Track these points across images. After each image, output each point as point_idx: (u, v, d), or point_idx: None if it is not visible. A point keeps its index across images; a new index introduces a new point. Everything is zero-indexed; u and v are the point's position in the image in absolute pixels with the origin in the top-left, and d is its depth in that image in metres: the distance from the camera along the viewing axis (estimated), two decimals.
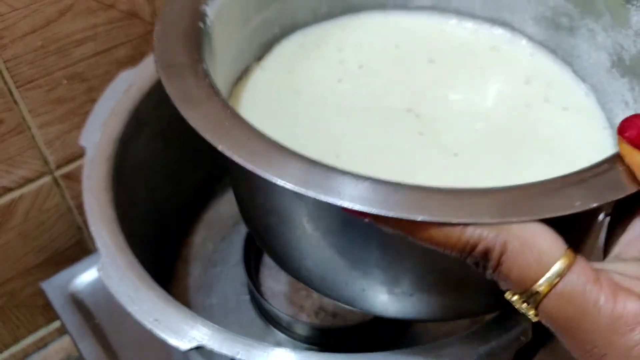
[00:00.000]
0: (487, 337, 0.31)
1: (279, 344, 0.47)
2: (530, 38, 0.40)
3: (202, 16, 0.31)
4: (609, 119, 0.37)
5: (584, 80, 0.39)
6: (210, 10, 0.32)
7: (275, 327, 0.49)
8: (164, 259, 0.42)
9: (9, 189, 0.57)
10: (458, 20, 0.41)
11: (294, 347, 0.40)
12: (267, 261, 0.52)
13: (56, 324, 0.71)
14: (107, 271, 0.33)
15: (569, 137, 0.36)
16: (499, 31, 0.41)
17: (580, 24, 0.38)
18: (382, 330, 0.46)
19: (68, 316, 0.55)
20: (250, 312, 0.50)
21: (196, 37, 0.30)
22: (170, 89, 0.27)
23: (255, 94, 0.36)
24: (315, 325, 0.47)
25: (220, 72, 0.33)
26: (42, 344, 0.71)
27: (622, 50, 0.36)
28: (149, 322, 0.31)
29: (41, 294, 0.60)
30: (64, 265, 0.64)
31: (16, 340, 0.69)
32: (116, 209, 0.37)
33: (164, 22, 0.31)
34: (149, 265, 0.38)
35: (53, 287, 0.57)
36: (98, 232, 0.35)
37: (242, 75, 0.37)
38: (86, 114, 0.57)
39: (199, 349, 0.30)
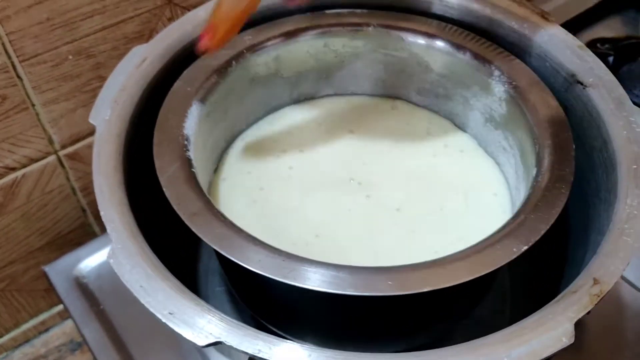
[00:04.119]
0: (525, 336, 0.29)
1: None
2: (415, 104, 0.49)
3: (188, 160, 0.37)
4: (494, 158, 0.45)
5: (464, 131, 0.47)
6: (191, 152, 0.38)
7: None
8: (174, 243, 0.39)
9: (11, 169, 0.55)
10: (357, 97, 0.49)
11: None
12: None
13: (58, 308, 0.69)
14: (118, 259, 0.31)
15: (471, 175, 0.44)
16: (391, 99, 0.49)
17: (454, 92, 0.46)
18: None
19: (72, 301, 0.53)
20: None
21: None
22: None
23: (228, 202, 0.42)
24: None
25: None
26: (43, 328, 0.69)
27: (492, 110, 0.43)
28: (163, 316, 0.29)
29: (43, 277, 0.57)
30: (67, 249, 0.62)
31: (17, 324, 0.67)
32: (127, 190, 0.35)
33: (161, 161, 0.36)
34: (158, 250, 0.36)
35: (56, 271, 0.55)
36: (108, 215, 0.32)
37: (208, 190, 0.42)
38: (93, 91, 0.55)
39: (216, 344, 0.28)
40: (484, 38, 0.44)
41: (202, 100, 0.40)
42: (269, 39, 0.44)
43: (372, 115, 0.49)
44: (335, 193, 0.43)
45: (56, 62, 0.51)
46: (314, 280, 0.30)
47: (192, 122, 0.39)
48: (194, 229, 0.32)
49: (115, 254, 0.31)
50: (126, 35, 0.53)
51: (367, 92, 0.49)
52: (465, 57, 0.44)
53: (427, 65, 0.46)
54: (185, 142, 0.37)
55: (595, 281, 0.30)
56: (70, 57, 0.52)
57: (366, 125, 0.48)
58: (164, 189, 0.34)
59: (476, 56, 0.43)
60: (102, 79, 0.55)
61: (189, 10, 0.55)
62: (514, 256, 0.32)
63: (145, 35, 0.54)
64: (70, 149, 0.57)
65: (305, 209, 0.42)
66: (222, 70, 0.42)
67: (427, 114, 0.48)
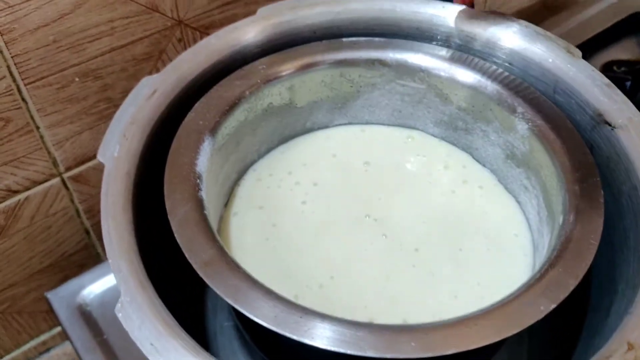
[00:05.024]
0: None
1: None
2: (432, 136, 0.47)
3: (200, 201, 0.35)
4: (515, 197, 0.43)
5: (484, 165, 0.45)
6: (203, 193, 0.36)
7: None
8: (181, 275, 0.38)
9: (14, 191, 0.53)
10: (371, 127, 0.48)
11: None
12: None
13: (59, 329, 0.67)
14: (127, 312, 0.29)
15: (491, 214, 0.42)
16: (407, 129, 0.48)
17: (474, 126, 0.44)
18: None
19: (74, 330, 0.51)
20: None
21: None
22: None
23: (239, 239, 0.41)
24: None
25: None
26: (44, 349, 0.68)
27: (514, 147, 0.42)
28: None
29: (45, 299, 0.56)
30: (70, 271, 0.61)
31: (17, 345, 0.65)
32: (136, 233, 0.33)
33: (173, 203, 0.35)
34: (165, 282, 0.34)
35: (59, 297, 0.53)
36: (116, 264, 0.31)
37: (219, 226, 0.41)
38: (99, 113, 0.53)
39: None
40: (507, 72, 0.42)
41: (215, 134, 0.39)
42: (283, 69, 0.43)
43: (388, 146, 0.47)
44: (350, 231, 0.41)
45: (62, 84, 0.50)
46: (333, 341, 0.29)
47: (205, 158, 0.37)
48: (207, 281, 0.31)
49: (124, 307, 0.30)
50: (135, 57, 0.52)
51: (382, 122, 0.48)
52: (487, 91, 0.42)
53: (446, 97, 0.44)
54: (198, 181, 0.36)
55: (630, 346, 0.29)
56: (77, 79, 0.50)
57: (382, 157, 0.46)
58: (175, 234, 0.33)
59: (499, 91, 0.42)
60: (110, 100, 0.53)
61: (200, 31, 0.54)
62: (542, 315, 0.30)
63: (154, 56, 0.53)
64: (75, 171, 0.56)
65: (320, 248, 0.41)
66: (235, 102, 0.41)
67: (445, 146, 0.47)
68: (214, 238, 0.33)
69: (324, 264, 0.40)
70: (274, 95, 0.43)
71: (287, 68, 0.43)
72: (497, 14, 0.44)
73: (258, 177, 0.44)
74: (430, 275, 0.39)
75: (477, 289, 0.39)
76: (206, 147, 0.38)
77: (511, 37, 0.43)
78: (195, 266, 0.31)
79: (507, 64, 0.43)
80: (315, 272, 0.39)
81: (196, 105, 0.40)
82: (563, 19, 0.78)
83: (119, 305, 0.30)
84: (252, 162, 0.45)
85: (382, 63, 0.44)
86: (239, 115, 0.41)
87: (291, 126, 0.46)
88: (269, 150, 0.46)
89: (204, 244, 0.32)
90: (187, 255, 0.32)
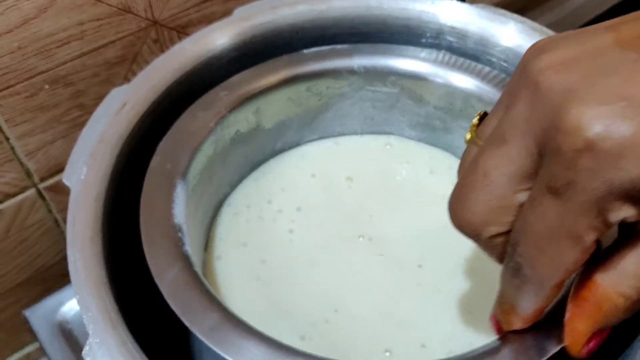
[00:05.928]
0: None
1: None
2: (410, 139, 0.45)
3: (187, 258, 0.32)
4: None
5: None
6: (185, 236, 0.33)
7: None
8: (162, 306, 0.36)
9: None
10: (346, 137, 0.45)
11: None
12: None
13: None
14: (96, 356, 0.27)
15: None
16: (383, 136, 0.45)
17: (453, 124, 0.42)
18: None
19: (55, 350, 0.49)
20: None
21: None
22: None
23: (228, 285, 0.38)
24: None
25: None
26: None
27: None
28: None
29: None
30: (49, 283, 0.59)
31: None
32: (106, 266, 0.31)
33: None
34: (144, 315, 0.32)
35: (38, 315, 0.51)
36: (84, 302, 0.28)
37: (202, 273, 0.36)
38: (72, 121, 0.50)
39: None
40: (502, 71, 0.40)
41: (185, 176, 0.35)
42: (246, 92, 0.40)
43: (367, 157, 0.44)
44: (345, 255, 0.39)
45: (31, 92, 0.47)
46: None
47: (181, 205, 0.34)
48: (218, 350, 0.28)
49: (92, 350, 0.27)
50: (107, 61, 0.49)
51: (355, 132, 0.45)
52: (466, 87, 0.40)
53: (421, 98, 0.42)
54: (179, 234, 0.32)
55: None
56: (47, 86, 0.47)
57: (363, 170, 0.44)
58: (169, 301, 0.30)
59: (479, 86, 0.39)
60: (82, 107, 0.50)
61: (177, 30, 0.51)
62: (559, 347, 0.28)
63: (128, 59, 0.50)
64: (50, 181, 0.53)
65: (316, 279, 0.38)
66: (201, 136, 0.37)
67: (425, 148, 0.44)
68: (212, 298, 0.30)
69: (324, 297, 0.37)
70: (241, 121, 0.40)
71: (251, 90, 0.40)
72: (490, 9, 0.41)
73: (235, 211, 0.41)
74: (437, 293, 0.37)
75: (490, 297, 0.36)
76: (180, 193, 0.34)
77: (506, 34, 0.40)
78: (200, 335, 0.28)
79: (502, 62, 0.41)
80: (317, 307, 0.36)
81: (160, 145, 0.36)
82: (557, 4, 0.76)
83: (87, 348, 0.27)
84: (226, 196, 0.42)
85: (349, 71, 0.41)
86: (207, 149, 0.38)
87: (260, 150, 0.43)
88: (241, 179, 0.43)
89: (204, 308, 0.29)
90: (188, 325, 0.29)
